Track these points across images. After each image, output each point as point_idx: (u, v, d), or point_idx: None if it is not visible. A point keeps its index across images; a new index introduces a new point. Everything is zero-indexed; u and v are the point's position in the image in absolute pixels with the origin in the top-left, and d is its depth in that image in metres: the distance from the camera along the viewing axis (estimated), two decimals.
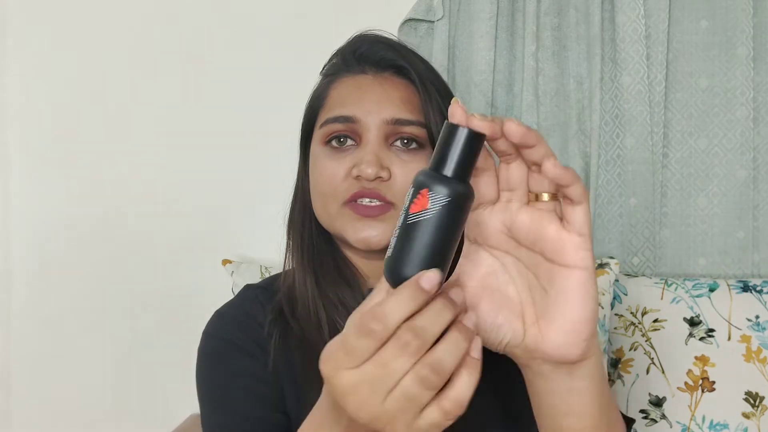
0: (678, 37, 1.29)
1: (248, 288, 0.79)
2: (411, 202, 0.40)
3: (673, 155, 1.30)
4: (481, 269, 0.46)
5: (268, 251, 1.31)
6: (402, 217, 0.41)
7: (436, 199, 0.39)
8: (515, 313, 0.45)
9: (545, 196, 0.43)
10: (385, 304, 0.39)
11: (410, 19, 1.29)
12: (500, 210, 0.45)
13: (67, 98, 1.40)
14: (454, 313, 0.40)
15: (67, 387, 1.42)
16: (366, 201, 0.69)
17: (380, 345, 0.39)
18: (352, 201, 0.69)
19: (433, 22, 1.28)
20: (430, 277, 0.39)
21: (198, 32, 1.38)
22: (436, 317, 0.39)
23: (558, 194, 0.43)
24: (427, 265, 0.40)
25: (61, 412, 1.42)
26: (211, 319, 0.75)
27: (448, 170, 0.40)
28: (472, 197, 0.41)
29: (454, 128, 0.40)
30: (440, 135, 0.41)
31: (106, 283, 1.41)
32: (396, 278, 0.41)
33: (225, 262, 1.29)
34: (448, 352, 0.39)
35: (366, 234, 0.68)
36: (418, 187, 0.40)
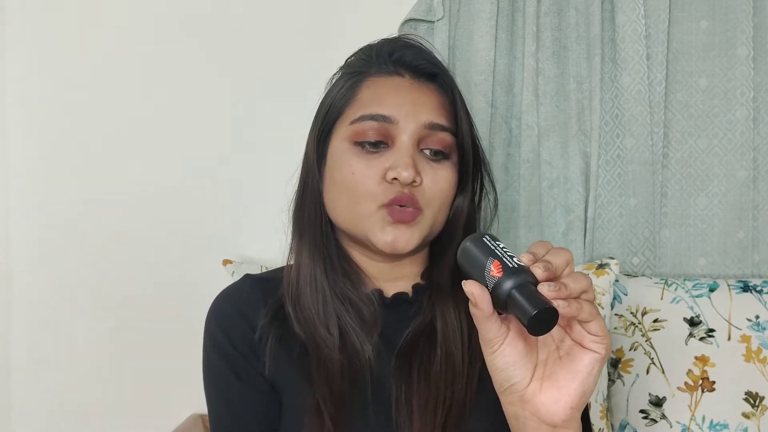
0: (678, 37, 1.29)
1: (247, 278, 0.77)
2: None
3: (673, 155, 1.30)
4: None
5: (268, 251, 1.31)
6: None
7: None
8: (532, 364, 0.54)
9: None
10: None
11: (410, 19, 1.28)
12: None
13: (66, 97, 1.40)
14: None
15: (67, 387, 1.42)
16: (401, 206, 0.69)
17: None
18: (389, 205, 0.69)
19: (433, 22, 1.28)
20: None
21: (198, 32, 1.38)
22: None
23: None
24: None
25: (61, 412, 1.42)
26: (210, 309, 0.75)
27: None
28: None
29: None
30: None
31: (106, 283, 1.41)
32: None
33: (225, 262, 1.29)
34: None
35: (395, 237, 0.68)
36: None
